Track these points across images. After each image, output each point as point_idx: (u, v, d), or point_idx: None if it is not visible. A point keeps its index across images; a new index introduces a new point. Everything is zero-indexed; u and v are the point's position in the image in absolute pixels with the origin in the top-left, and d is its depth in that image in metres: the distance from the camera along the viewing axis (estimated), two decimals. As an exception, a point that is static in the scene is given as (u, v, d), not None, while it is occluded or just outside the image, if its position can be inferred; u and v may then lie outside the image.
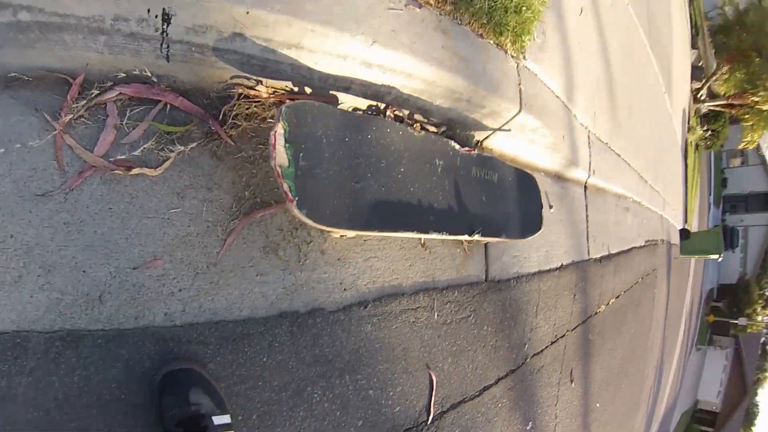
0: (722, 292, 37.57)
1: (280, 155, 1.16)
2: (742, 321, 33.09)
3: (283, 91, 1.41)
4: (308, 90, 1.44)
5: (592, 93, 3.56)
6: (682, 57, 12.78)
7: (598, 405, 4.50)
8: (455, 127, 1.99)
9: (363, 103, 1.60)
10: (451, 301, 1.97)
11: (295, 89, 1.42)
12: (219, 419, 1.10)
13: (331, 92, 1.49)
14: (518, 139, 2.39)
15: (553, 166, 2.98)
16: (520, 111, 2.11)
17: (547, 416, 3.16)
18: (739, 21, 16.45)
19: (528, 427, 2.87)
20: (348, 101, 1.56)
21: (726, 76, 16.66)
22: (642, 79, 6.30)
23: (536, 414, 2.97)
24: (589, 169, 3.45)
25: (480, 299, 2.15)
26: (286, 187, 1.15)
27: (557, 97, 2.75)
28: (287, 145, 1.18)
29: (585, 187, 3.64)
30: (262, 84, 1.36)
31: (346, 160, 1.32)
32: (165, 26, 1.10)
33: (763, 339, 43.17)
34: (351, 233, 1.41)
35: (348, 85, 1.50)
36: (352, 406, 1.53)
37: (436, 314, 1.87)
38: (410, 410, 1.77)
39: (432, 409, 1.84)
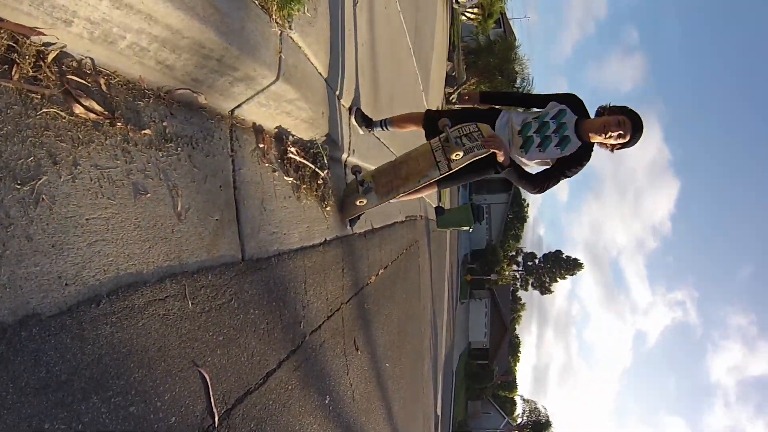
0: (474, 256, 47.38)
1: None
2: (493, 277, 40.99)
3: None
4: (10, 19, 1.04)
5: (354, 76, 3.58)
6: (440, 65, 14.56)
7: (387, 365, 4.78)
8: (202, 90, 1.69)
9: (85, 46, 1.23)
10: (206, 285, 1.67)
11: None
12: None
13: (34, 26, 1.09)
14: (274, 110, 2.19)
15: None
16: (277, 79, 1.91)
17: (341, 386, 3.15)
18: (489, 47, 20.77)
19: (326, 401, 2.80)
20: (65, 39, 1.17)
21: (473, 86, 19.89)
22: (404, 76, 6.80)
23: (330, 387, 2.92)
24: (349, 149, 3.48)
25: (240, 281, 1.88)
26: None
27: (320, 74, 2.64)
28: None
29: (345, 165, 3.64)
30: None
31: None
32: None
33: (511, 288, 54.77)
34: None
35: (69, 19, 1.13)
36: (115, 432, 1.18)
37: (190, 303, 1.56)
38: (190, 417, 1.47)
39: (215, 410, 1.57)
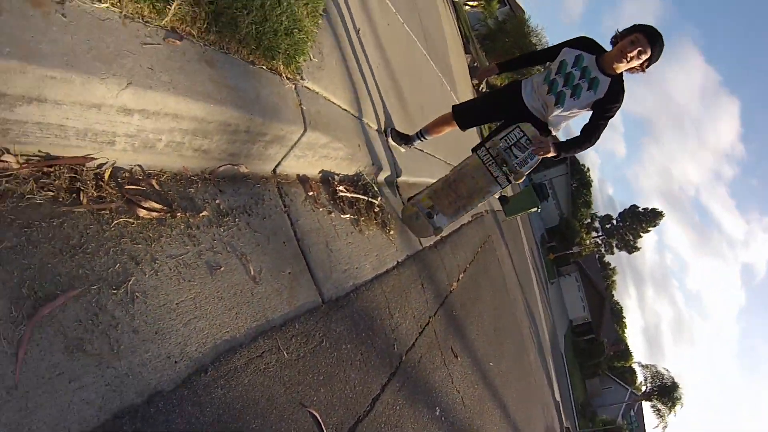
0: (551, 234, 46.26)
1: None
2: (575, 249, 39.42)
3: (38, 158, 1.17)
4: (66, 154, 1.22)
5: (380, 99, 3.66)
6: (459, 60, 14.62)
7: (491, 364, 4.74)
8: (241, 161, 1.84)
9: (131, 157, 1.41)
10: (296, 334, 1.80)
11: (51, 154, 1.19)
12: None
13: (86, 154, 1.27)
14: (312, 158, 2.31)
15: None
16: (305, 130, 2.02)
17: (449, 395, 3.19)
18: (501, 29, 20.53)
19: (437, 413, 2.84)
20: (113, 156, 1.35)
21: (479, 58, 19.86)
22: (428, 82, 6.81)
23: (438, 398, 2.96)
24: (396, 169, 3.53)
25: (325, 322, 2.00)
26: None
27: (345, 110, 2.74)
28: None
29: (396, 186, 3.72)
30: (8, 153, 1.11)
31: None
32: None
33: (597, 255, 53.33)
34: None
35: (111, 140, 1.30)
36: (241, 476, 1.31)
37: (285, 353, 1.69)
38: (308, 452, 1.59)
39: (331, 442, 1.67)
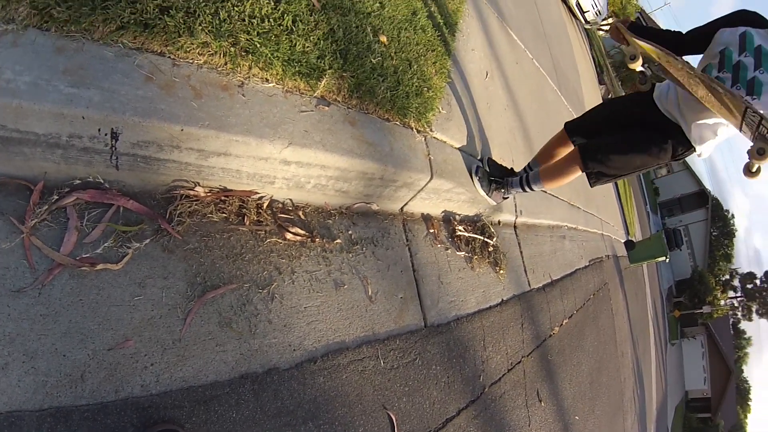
0: (680, 287, 38.61)
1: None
2: (706, 309, 33.52)
3: (218, 190, 1.58)
4: (238, 188, 1.62)
5: (507, 142, 3.70)
6: (593, 92, 13.65)
7: (577, 418, 4.38)
8: (373, 200, 2.15)
9: (285, 193, 1.79)
10: (395, 348, 2.06)
11: (228, 187, 1.60)
12: None
13: (252, 189, 1.67)
14: (436, 200, 2.53)
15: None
16: (431, 178, 2.26)
17: (522, 436, 3.17)
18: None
19: (504, 449, 2.88)
20: (271, 192, 1.74)
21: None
22: (556, 118, 6.44)
23: (510, 436, 2.97)
24: (516, 211, 3.57)
25: (423, 343, 2.23)
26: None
27: (470, 155, 2.87)
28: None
29: (515, 226, 3.75)
30: (199, 185, 1.53)
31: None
32: (113, 142, 1.22)
33: (731, 320, 44.00)
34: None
35: (272, 180, 1.67)
36: (320, 449, 1.62)
37: (382, 361, 1.96)
38: (377, 448, 1.85)
39: (399, 446, 1.91)
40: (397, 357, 2.07)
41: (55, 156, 1.20)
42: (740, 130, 1.80)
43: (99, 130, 1.18)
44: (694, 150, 2.23)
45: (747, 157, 1.74)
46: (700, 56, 2.17)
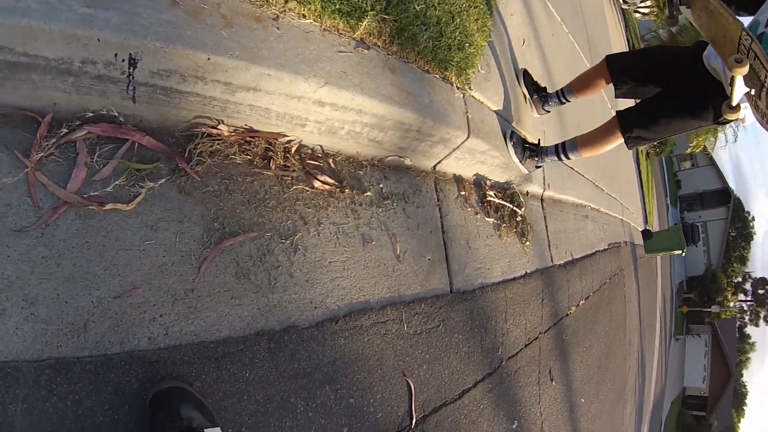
0: (691, 284, 38.45)
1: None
2: (715, 308, 33.54)
3: (243, 130, 1.45)
4: (265, 129, 1.49)
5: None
6: None
7: (582, 400, 4.46)
8: (407, 154, 2.03)
9: (315, 138, 1.66)
10: (419, 313, 1.97)
11: (254, 128, 1.47)
12: None
13: (280, 131, 1.54)
14: (470, 161, 2.44)
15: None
16: (468, 137, 2.16)
17: (531, 414, 3.14)
18: (673, 40, 17.89)
19: (514, 426, 2.85)
20: (301, 136, 1.61)
21: None
22: (587, 96, 6.42)
23: (520, 413, 2.95)
24: (544, 183, 3.50)
25: (447, 310, 2.14)
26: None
27: (505, 120, 2.81)
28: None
29: (542, 199, 3.69)
30: (223, 123, 1.40)
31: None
32: (131, 70, 1.11)
33: (738, 323, 43.25)
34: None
35: (303, 123, 1.55)
36: (335, 414, 1.53)
37: (405, 326, 1.87)
38: (392, 416, 1.76)
39: (414, 414, 1.83)
40: (421, 322, 1.97)
41: (66, 84, 1.08)
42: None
43: (116, 55, 1.07)
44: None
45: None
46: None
